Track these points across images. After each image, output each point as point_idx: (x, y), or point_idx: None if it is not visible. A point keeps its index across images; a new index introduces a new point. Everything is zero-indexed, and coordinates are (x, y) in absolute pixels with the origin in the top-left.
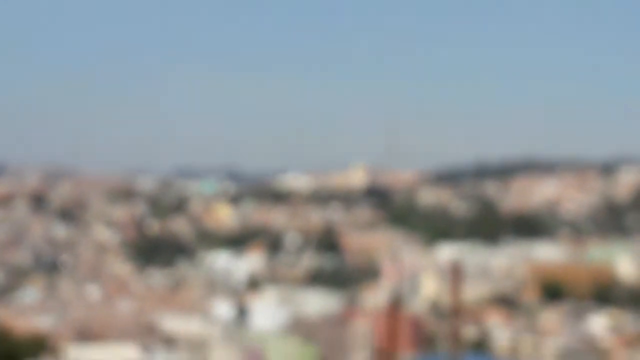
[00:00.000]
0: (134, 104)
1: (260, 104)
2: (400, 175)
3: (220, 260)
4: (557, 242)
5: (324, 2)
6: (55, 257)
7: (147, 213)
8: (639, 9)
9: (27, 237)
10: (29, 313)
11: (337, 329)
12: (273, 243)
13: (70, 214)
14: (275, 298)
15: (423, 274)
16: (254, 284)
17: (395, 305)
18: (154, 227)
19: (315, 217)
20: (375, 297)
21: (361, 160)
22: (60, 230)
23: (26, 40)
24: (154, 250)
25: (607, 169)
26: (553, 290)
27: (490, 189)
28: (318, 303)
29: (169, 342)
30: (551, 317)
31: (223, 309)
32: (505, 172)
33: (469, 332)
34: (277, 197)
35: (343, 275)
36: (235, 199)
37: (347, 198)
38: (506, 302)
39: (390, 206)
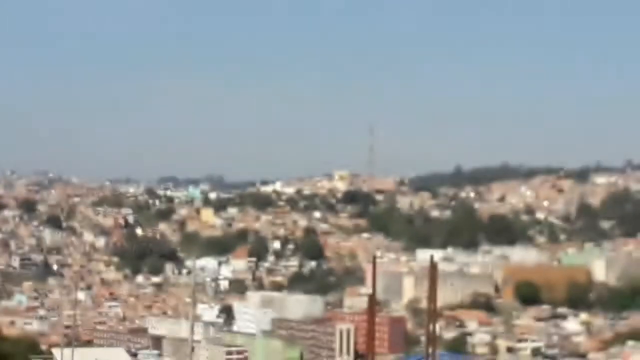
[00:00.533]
0: (121, 114)
1: (244, 113)
2: (381, 182)
3: (206, 265)
4: (533, 247)
5: (303, 12)
6: (45, 263)
7: (135, 219)
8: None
9: (17, 243)
10: (18, 317)
11: (319, 332)
12: (257, 248)
13: (58, 220)
14: (259, 301)
15: (404, 277)
16: (238, 288)
17: (375, 309)
18: (141, 233)
19: (298, 223)
20: (357, 301)
21: (343, 168)
22: (49, 236)
23: (15, 51)
24: (141, 256)
25: (582, 176)
26: (530, 293)
27: (469, 195)
28: (301, 306)
29: (156, 344)
30: (528, 320)
31: (208, 312)
32: (483, 178)
33: (448, 333)
34: (261, 203)
35: (325, 279)
36: (220, 206)
37: (329, 204)
38: (484, 305)
39: (371, 212)
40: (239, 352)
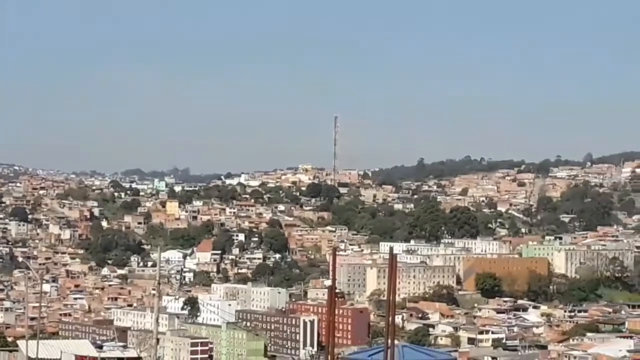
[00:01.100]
0: (86, 106)
1: (209, 106)
2: (345, 176)
3: (171, 258)
4: (495, 239)
5: (267, 6)
6: (10, 255)
7: (100, 212)
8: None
9: None
10: None
11: (283, 323)
12: (222, 241)
13: (24, 212)
14: (224, 293)
15: (367, 270)
16: (203, 280)
17: (334, 300)
18: (107, 225)
19: (263, 216)
20: (321, 293)
21: (307, 161)
22: (15, 229)
23: None
24: (107, 248)
25: (542, 169)
26: (491, 285)
27: (431, 188)
28: (265, 298)
29: (122, 336)
30: (489, 311)
31: (173, 304)
32: (445, 172)
33: (411, 325)
34: (226, 196)
35: (289, 271)
36: (185, 199)
37: (293, 197)
38: (446, 297)
39: (335, 205)
40: (203, 344)
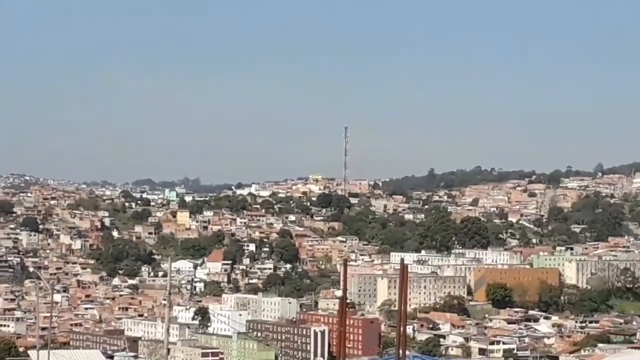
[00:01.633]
0: (97, 117)
1: (218, 115)
2: (356, 186)
3: (181, 268)
4: (506, 250)
5: (280, 16)
6: (21, 265)
7: (111, 222)
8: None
9: None
10: None
11: (294, 334)
12: (232, 251)
13: (35, 222)
14: (235, 304)
15: (378, 280)
16: (213, 290)
17: (345, 310)
18: (118, 235)
19: (274, 226)
20: (331, 303)
21: (318, 171)
22: (26, 239)
23: None
24: (117, 258)
25: (553, 180)
26: (502, 296)
27: (442, 198)
28: (276, 308)
29: (132, 346)
30: (500, 322)
31: (184, 314)
32: (456, 182)
33: (422, 335)
34: (237, 206)
35: (300, 281)
36: (195, 209)
37: (304, 207)
38: (457, 307)
39: (345, 215)
40: (214, 354)
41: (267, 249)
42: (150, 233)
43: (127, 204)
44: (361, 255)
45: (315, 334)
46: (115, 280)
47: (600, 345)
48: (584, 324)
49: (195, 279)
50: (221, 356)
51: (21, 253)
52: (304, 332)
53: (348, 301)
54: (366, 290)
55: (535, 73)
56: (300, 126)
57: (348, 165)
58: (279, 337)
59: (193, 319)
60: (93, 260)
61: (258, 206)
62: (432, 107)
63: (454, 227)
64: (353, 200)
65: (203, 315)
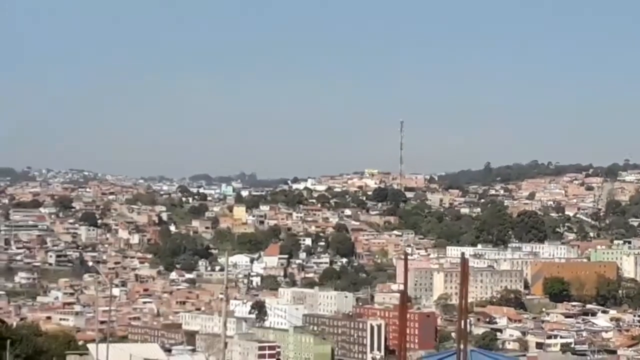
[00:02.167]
0: (155, 113)
1: (276, 111)
2: (411, 180)
3: (238, 262)
4: (562, 243)
5: (331, 13)
6: (80, 259)
7: (168, 217)
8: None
9: (53, 240)
10: (54, 313)
11: (350, 327)
12: (289, 245)
13: (94, 217)
14: (291, 298)
15: (434, 274)
16: (270, 284)
17: (406, 305)
18: (175, 230)
19: (329, 220)
20: (388, 297)
21: (373, 165)
22: (85, 233)
23: (48, 55)
24: (175, 253)
25: (611, 173)
26: (559, 290)
27: (498, 192)
28: (332, 302)
29: (190, 340)
30: (557, 316)
31: (241, 308)
32: (512, 176)
33: (478, 329)
34: (293, 201)
35: (356, 275)
36: (252, 203)
37: (360, 202)
38: (514, 301)
39: (401, 209)
40: (271, 348)
41: (323, 243)
42: (207, 227)
43: (184, 198)
44: (417, 249)
45: (372, 327)
46: (173, 275)
47: None
48: None
49: (251, 273)
50: (278, 350)
51: (80, 248)
52: (360, 326)
53: None
54: (422, 284)
55: (591, 67)
56: (355, 120)
57: (404, 159)
58: (335, 331)
59: (250, 312)
60: (151, 254)
61: (314, 201)
62: (488, 101)
63: (511, 221)
64: (409, 195)
65: (260, 309)
